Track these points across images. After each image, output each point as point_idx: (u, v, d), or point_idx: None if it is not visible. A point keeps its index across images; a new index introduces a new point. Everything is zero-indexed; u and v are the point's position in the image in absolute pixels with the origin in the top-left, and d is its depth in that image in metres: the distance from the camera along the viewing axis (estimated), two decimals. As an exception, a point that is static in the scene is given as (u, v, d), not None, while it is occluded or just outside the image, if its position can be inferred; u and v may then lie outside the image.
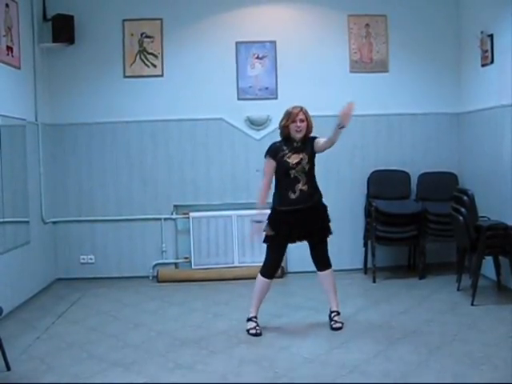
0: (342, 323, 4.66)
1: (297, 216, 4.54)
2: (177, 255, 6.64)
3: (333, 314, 4.70)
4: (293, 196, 4.54)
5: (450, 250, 6.36)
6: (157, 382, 3.76)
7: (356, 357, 4.05)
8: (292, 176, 4.54)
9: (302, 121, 4.55)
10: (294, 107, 4.61)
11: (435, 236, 6.13)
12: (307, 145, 4.59)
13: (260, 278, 4.68)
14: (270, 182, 4.66)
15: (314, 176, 4.66)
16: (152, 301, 5.72)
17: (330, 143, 4.49)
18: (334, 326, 4.64)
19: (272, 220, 4.63)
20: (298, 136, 4.57)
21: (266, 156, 4.66)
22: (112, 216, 6.57)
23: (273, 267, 4.68)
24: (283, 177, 4.58)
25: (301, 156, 4.55)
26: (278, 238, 4.60)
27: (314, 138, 4.62)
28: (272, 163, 4.60)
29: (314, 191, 4.62)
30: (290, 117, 4.57)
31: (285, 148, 4.59)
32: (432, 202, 6.27)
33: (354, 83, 6.58)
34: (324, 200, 4.73)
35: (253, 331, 4.57)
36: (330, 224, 4.72)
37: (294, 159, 4.54)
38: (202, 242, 6.53)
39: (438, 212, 6.02)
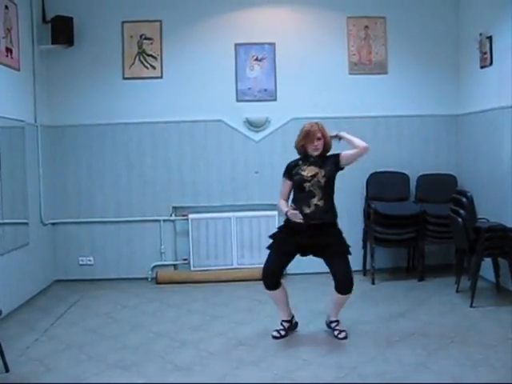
0: (345, 331, 4.55)
1: (307, 231, 4.37)
2: (176, 257, 6.64)
3: (333, 324, 4.60)
4: (307, 210, 4.38)
5: (449, 251, 6.37)
6: (156, 383, 3.78)
7: (354, 359, 4.06)
8: (307, 189, 4.41)
9: (319, 139, 4.44)
10: (311, 125, 4.48)
11: (434, 238, 6.13)
12: (327, 161, 4.49)
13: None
14: (286, 201, 4.56)
15: (332, 194, 4.51)
16: (151, 302, 5.71)
17: (356, 152, 4.43)
18: (339, 335, 4.49)
19: (278, 229, 4.61)
20: (316, 153, 4.49)
21: (282, 176, 4.58)
22: (111, 218, 6.57)
23: (263, 275, 4.58)
24: (298, 190, 4.46)
25: (317, 170, 4.42)
26: (276, 246, 4.54)
27: (338, 154, 4.50)
28: (288, 183, 4.51)
29: (329, 208, 4.45)
30: (307, 137, 4.45)
31: (301, 163, 4.51)
32: (431, 204, 6.27)
33: (353, 85, 6.60)
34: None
35: (274, 333, 4.55)
36: (347, 245, 4.50)
37: (309, 172, 4.43)
38: (201, 243, 6.52)
39: (437, 214, 6.02)
